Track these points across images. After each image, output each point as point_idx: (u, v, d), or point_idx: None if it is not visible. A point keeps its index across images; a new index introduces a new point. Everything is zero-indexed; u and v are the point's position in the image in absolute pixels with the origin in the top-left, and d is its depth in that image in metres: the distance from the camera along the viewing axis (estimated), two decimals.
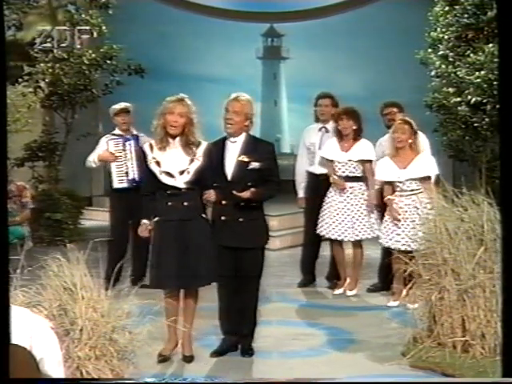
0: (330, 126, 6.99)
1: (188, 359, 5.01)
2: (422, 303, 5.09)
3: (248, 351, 5.15)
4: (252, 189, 4.91)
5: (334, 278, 7.01)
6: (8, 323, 2.37)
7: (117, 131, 7.01)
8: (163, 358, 4.97)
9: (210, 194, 4.86)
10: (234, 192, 4.90)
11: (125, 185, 6.82)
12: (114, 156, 6.84)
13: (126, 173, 6.81)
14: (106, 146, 6.93)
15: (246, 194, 4.90)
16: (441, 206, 5.05)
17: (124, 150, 6.86)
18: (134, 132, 6.99)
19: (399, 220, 6.22)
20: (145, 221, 4.99)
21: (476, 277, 4.73)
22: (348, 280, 6.85)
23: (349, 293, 6.77)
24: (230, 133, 5.03)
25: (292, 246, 8.64)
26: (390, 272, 6.45)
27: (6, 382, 2.34)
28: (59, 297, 4.14)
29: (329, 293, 6.90)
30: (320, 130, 7.06)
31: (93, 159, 6.96)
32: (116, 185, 6.87)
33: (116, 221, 6.96)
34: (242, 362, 5.05)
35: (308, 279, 7.17)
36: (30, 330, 2.71)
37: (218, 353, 5.13)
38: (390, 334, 5.49)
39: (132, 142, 6.87)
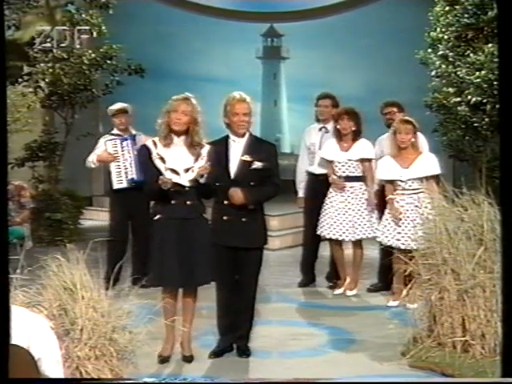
0: (331, 126, 7.00)
1: (188, 359, 5.01)
2: (421, 303, 5.09)
3: (245, 352, 5.14)
4: (241, 191, 4.92)
5: (334, 277, 7.01)
6: (8, 323, 2.37)
7: (115, 131, 7.03)
8: (163, 359, 4.97)
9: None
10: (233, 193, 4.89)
11: (124, 185, 6.82)
12: (113, 156, 6.84)
13: (125, 173, 6.81)
14: (104, 146, 6.94)
15: (239, 197, 4.92)
16: (441, 206, 5.05)
17: (122, 150, 6.86)
18: (133, 131, 6.99)
19: (400, 219, 6.21)
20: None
21: (476, 277, 4.73)
22: (348, 280, 6.85)
23: (349, 293, 6.77)
24: (242, 133, 5.03)
25: (292, 246, 8.64)
26: (390, 272, 6.45)
27: (6, 381, 2.34)
28: (59, 297, 4.13)
29: (329, 293, 6.90)
30: (320, 130, 7.07)
31: (92, 160, 6.98)
32: (115, 185, 6.87)
33: (115, 221, 6.98)
34: (241, 362, 5.05)
35: (308, 279, 7.17)
36: (28, 329, 2.71)
37: (216, 353, 5.12)
38: (389, 334, 5.49)
39: (129, 142, 6.86)
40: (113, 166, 6.84)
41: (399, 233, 6.23)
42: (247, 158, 5.01)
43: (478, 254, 4.74)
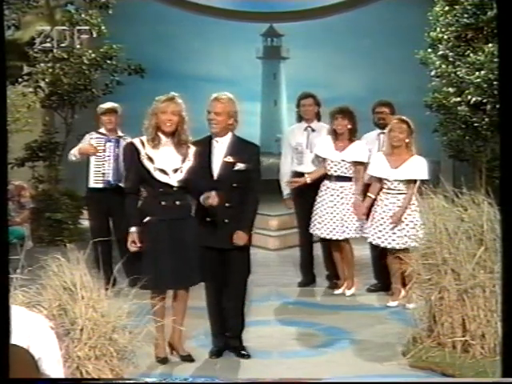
0: (315, 125, 7.02)
1: (187, 358, 5.00)
2: (421, 303, 5.10)
3: (243, 352, 5.12)
4: (241, 232, 4.95)
5: (334, 277, 7.01)
6: (8, 323, 2.36)
7: (102, 130, 6.97)
8: (162, 360, 4.95)
9: (213, 198, 4.80)
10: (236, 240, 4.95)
11: (100, 185, 6.80)
12: (94, 149, 6.80)
13: (103, 173, 6.79)
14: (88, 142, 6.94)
15: (243, 238, 4.97)
16: (441, 206, 5.05)
17: (104, 151, 6.83)
18: (120, 133, 6.95)
19: (363, 220, 6.41)
20: (133, 229, 4.81)
21: (476, 277, 4.73)
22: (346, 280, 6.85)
23: (347, 292, 6.77)
24: (215, 133, 5.04)
25: (292, 245, 8.62)
26: (383, 270, 6.49)
27: (6, 381, 2.34)
28: (59, 297, 4.13)
29: (328, 292, 6.90)
30: (305, 129, 7.06)
31: (74, 152, 6.93)
32: (92, 184, 6.84)
33: (95, 220, 6.94)
34: (241, 362, 5.05)
35: (308, 279, 7.17)
36: (28, 329, 2.70)
37: (215, 353, 5.12)
38: (389, 334, 5.49)
39: (112, 144, 6.83)
40: (92, 165, 6.83)
41: (380, 231, 6.29)
42: (230, 159, 5.00)
43: (478, 254, 4.74)
